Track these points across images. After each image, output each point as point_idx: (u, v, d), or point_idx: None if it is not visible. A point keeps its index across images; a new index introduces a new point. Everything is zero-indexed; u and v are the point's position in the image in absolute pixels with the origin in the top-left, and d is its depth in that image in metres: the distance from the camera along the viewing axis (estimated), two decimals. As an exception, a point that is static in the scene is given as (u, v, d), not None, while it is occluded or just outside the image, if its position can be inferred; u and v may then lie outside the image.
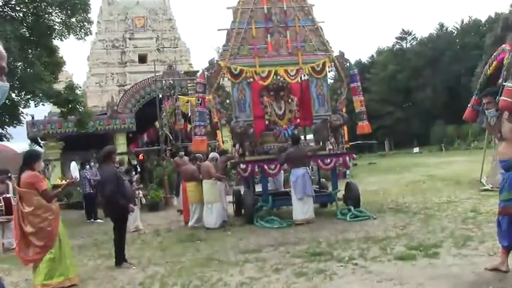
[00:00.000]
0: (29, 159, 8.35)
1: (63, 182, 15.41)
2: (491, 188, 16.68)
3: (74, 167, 9.24)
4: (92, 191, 19.56)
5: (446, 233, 10.32)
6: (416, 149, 65.97)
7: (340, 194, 15.29)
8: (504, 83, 5.98)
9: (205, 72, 15.48)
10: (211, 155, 15.81)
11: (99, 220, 18.98)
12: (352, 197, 14.71)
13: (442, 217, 12.41)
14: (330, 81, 17.37)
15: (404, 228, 11.31)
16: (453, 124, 64.80)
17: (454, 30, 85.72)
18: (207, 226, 14.23)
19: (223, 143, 24.09)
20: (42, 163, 9.21)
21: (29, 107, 22.85)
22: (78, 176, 9.26)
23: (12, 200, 12.84)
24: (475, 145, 51.96)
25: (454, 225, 11.08)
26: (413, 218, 12.67)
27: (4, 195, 13.67)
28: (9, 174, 15.26)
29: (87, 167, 20.04)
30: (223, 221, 14.48)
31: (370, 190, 20.54)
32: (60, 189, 8.93)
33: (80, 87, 26.31)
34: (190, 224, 15.10)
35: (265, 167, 14.54)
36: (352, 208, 14.01)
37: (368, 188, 21.41)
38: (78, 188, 21.25)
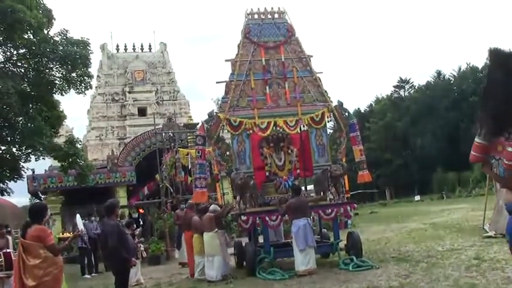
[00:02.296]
0: (38, 214, 8.31)
1: (68, 234, 15.34)
2: (494, 234, 16.62)
3: (79, 219, 9.24)
4: (84, 245, 19.39)
5: (450, 281, 10.25)
6: (417, 197, 65.73)
7: (342, 243, 15.20)
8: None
9: (205, 125, 15.58)
10: (212, 207, 15.70)
11: (87, 276, 18.87)
12: (354, 247, 14.64)
13: (445, 265, 12.33)
14: (329, 131, 17.48)
15: (407, 277, 11.23)
16: (453, 171, 64.77)
17: (451, 78, 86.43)
18: (208, 279, 14.11)
19: (223, 195, 24.01)
20: (48, 213, 9.22)
21: (29, 161, 22.91)
22: (84, 229, 9.26)
23: (12, 255, 12.74)
24: (476, 192, 51.85)
25: (458, 274, 11.00)
26: (417, 266, 12.59)
27: (4, 250, 13.56)
28: (9, 229, 15.16)
29: (86, 220, 19.87)
30: (225, 274, 14.35)
31: (372, 239, 20.44)
32: (67, 243, 8.92)
33: (80, 141, 26.42)
34: (195, 276, 14.96)
35: (266, 218, 14.50)
36: (354, 258, 13.92)
37: (370, 237, 21.31)
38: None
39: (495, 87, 5.10)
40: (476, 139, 5.85)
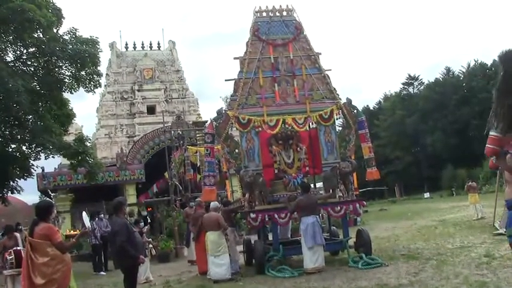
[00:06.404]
0: (44, 212, 8.32)
1: (73, 232, 15.37)
2: (505, 232, 16.52)
3: (85, 216, 9.24)
4: (97, 242, 19.47)
5: (460, 279, 10.21)
6: (427, 194, 65.55)
7: (352, 241, 15.18)
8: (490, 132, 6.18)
9: (214, 122, 15.58)
10: (213, 204, 15.31)
11: (102, 273, 18.90)
12: (364, 244, 14.62)
13: (455, 263, 12.29)
14: (338, 128, 17.43)
15: (417, 275, 11.20)
16: (463, 168, 64.46)
17: (460, 74, 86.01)
18: (215, 277, 13.97)
19: (232, 192, 24.03)
20: (55, 211, 9.20)
21: (39, 159, 23.00)
22: (90, 226, 9.24)
23: (22, 252, 12.78)
24: (486, 189, 51.61)
25: (468, 271, 10.96)
26: (426, 264, 12.55)
27: (15, 248, 13.63)
28: (20, 227, 15.26)
29: (96, 218, 19.95)
30: (235, 271, 14.30)
31: (381, 237, 20.40)
32: (74, 240, 8.92)
33: (90, 139, 26.49)
34: (208, 273, 14.80)
35: (275, 216, 14.48)
36: (363, 255, 13.90)
37: (379, 234, 21.27)
38: (88, 240, 21.17)
39: None
40: (492, 132, 5.92)
